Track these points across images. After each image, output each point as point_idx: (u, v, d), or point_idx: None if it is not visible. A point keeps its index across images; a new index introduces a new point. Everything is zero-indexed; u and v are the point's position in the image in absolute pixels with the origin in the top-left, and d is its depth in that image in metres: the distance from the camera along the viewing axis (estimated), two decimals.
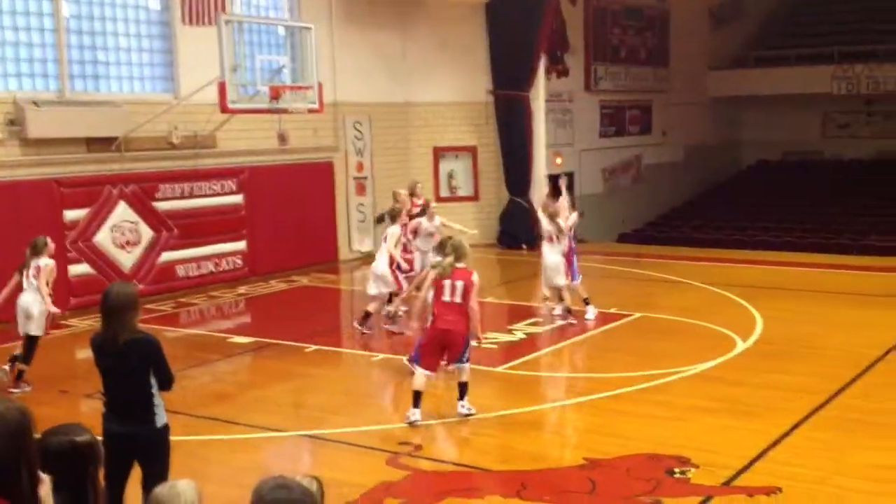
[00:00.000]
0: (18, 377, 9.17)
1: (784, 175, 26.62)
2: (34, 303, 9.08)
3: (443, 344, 7.84)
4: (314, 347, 10.79)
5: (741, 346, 10.40)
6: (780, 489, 6.29)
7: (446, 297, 7.77)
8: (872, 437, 7.39)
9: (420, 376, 7.87)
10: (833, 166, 26.56)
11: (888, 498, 6.23)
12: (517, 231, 19.34)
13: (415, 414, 7.80)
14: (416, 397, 7.83)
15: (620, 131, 23.79)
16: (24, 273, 9.18)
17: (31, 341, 9.19)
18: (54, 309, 9.30)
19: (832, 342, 10.70)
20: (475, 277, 7.84)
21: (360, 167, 18.04)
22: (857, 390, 8.75)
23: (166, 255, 14.40)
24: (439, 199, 19.47)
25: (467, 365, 7.88)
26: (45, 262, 9.19)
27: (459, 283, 7.74)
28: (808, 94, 25.57)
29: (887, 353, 10.00)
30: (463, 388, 7.95)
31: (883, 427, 7.66)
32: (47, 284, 9.18)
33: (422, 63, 18.97)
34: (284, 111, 14.53)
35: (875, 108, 26.50)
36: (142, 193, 14.10)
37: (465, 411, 7.95)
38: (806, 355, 10.05)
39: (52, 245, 9.41)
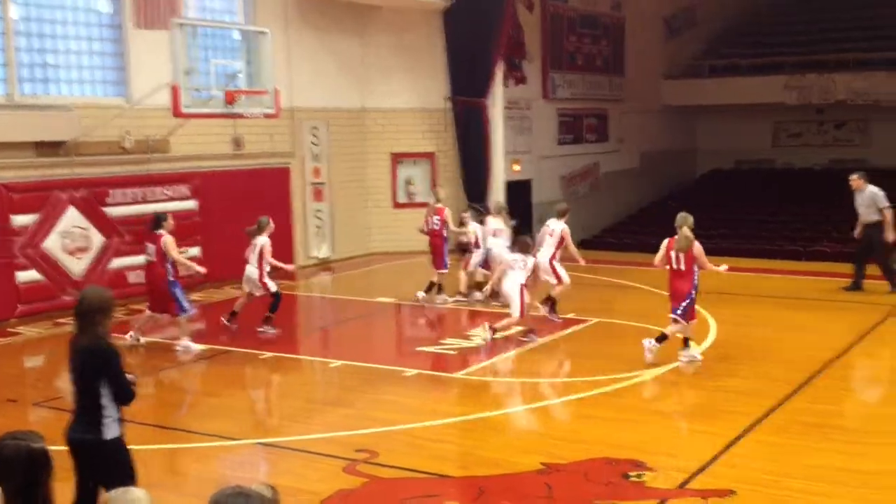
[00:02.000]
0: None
1: (737, 183, 27.05)
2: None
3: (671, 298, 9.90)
4: (270, 354, 10.74)
5: (696, 350, 10.55)
6: (733, 491, 6.40)
7: (673, 265, 9.87)
8: (822, 440, 7.56)
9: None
10: (785, 175, 27.06)
11: (836, 499, 6.37)
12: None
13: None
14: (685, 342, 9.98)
15: (578, 139, 24.02)
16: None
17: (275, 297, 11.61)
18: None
19: (784, 346, 10.91)
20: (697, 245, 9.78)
21: (316, 173, 18.00)
22: (808, 394, 8.94)
23: (117, 262, 14.22)
24: (397, 206, 19.52)
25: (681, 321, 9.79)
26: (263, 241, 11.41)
27: (682, 255, 9.78)
28: (760, 104, 26.04)
29: (836, 357, 10.22)
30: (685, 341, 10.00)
31: (832, 430, 7.83)
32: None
33: (379, 69, 19.00)
34: (240, 116, 14.46)
35: (826, 117, 27.05)
36: (92, 199, 13.92)
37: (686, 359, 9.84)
38: (758, 360, 10.23)
39: (272, 225, 11.59)
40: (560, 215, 12.72)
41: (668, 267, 10.00)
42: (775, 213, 23.82)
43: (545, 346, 11.09)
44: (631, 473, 6.80)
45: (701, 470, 6.85)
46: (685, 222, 9.95)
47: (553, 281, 12.36)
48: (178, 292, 10.67)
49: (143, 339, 11.02)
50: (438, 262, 14.04)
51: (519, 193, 21.01)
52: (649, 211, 26.31)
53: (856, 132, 27.15)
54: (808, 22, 27.72)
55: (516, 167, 20.90)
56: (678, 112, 27.31)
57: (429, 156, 19.63)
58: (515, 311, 11.02)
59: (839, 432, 7.75)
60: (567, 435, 7.82)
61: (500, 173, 19.74)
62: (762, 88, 25.74)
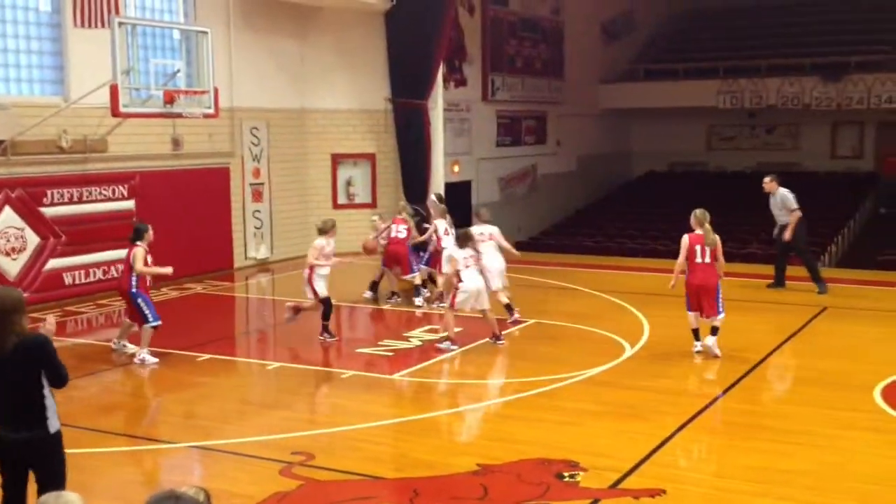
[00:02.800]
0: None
1: (671, 185, 27.46)
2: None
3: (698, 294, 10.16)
4: (207, 356, 10.59)
5: (629, 351, 10.69)
6: (663, 491, 6.49)
7: (698, 259, 10.20)
8: (751, 439, 7.69)
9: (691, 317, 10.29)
10: (717, 177, 27.57)
11: (765, 498, 6.48)
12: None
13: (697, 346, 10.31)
14: (695, 333, 10.34)
15: (517, 141, 24.16)
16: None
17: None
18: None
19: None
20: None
21: (256, 173, 17.79)
22: (737, 394, 9.10)
23: (53, 263, 13.88)
24: (337, 207, 19.40)
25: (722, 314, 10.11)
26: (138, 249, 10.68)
27: (708, 249, 10.22)
28: (694, 108, 26.49)
29: (765, 357, 10.43)
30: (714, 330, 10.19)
31: (760, 429, 7.97)
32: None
33: (320, 69, 18.87)
34: (179, 116, 14.22)
35: (757, 121, 27.63)
36: (29, 198, 13.56)
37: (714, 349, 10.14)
38: (689, 360, 10.39)
39: (151, 233, 10.78)
40: (485, 220, 12.68)
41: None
42: (710, 214, 24.22)
43: (482, 348, 11.11)
44: (565, 474, 6.85)
45: (633, 470, 6.92)
46: (706, 218, 10.40)
47: (506, 284, 12.36)
48: (143, 302, 10.40)
49: (129, 347, 10.76)
50: (406, 268, 13.90)
51: (458, 195, 21.07)
52: (586, 213, 26.61)
53: (786, 136, 27.79)
54: (741, 28, 28.27)
55: (456, 169, 20.95)
56: (615, 115, 27.65)
57: (369, 157, 19.55)
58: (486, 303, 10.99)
59: (768, 432, 7.89)
60: (502, 436, 7.85)
61: (440, 175, 19.76)
62: (696, 93, 26.20)
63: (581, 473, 6.82)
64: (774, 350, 10.78)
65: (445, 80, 19.92)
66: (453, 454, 7.36)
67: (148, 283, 10.63)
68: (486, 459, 7.14)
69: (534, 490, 6.58)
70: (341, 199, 19.47)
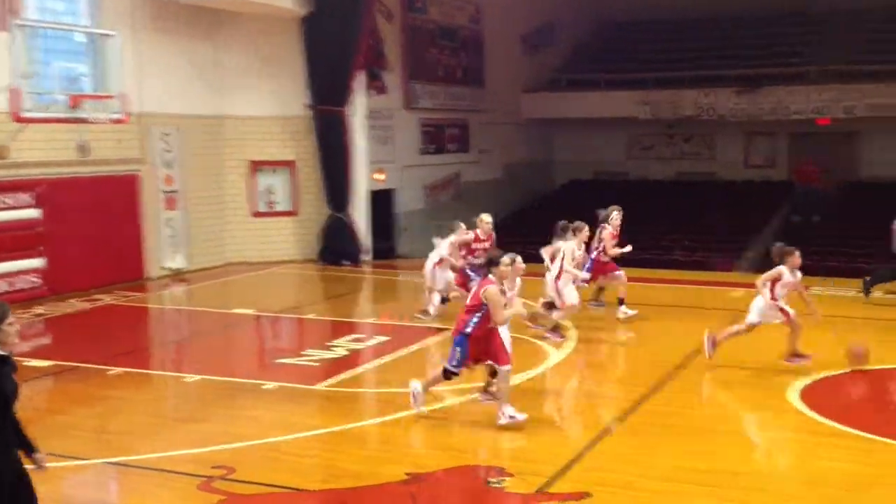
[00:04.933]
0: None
1: (594, 194, 27.82)
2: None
3: None
4: (119, 370, 10.31)
5: (556, 357, 10.80)
6: (588, 494, 6.57)
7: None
8: (676, 441, 7.85)
9: None
10: (639, 186, 28.11)
11: (689, 498, 6.63)
12: (338, 247, 19.30)
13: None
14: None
15: (440, 149, 24.26)
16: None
17: None
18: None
19: (639, 352, 11.31)
20: None
21: (168, 180, 17.44)
22: (662, 396, 9.28)
23: None
24: (256, 215, 19.17)
25: None
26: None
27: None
28: (615, 118, 27.02)
29: (688, 360, 10.64)
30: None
31: (685, 431, 8.15)
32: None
33: (237, 75, 18.64)
34: (84, 121, 13.86)
35: (675, 131, 28.31)
36: None
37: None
38: (616, 365, 10.56)
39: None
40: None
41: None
42: (632, 222, 24.66)
43: (410, 356, 11.09)
44: (492, 480, 6.88)
45: (559, 474, 6.99)
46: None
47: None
48: None
49: None
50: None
51: (382, 203, 21.03)
52: (511, 221, 26.82)
53: (702, 146, 28.54)
54: (660, 41, 28.96)
55: (380, 177, 20.91)
56: (538, 124, 27.99)
57: (289, 164, 19.39)
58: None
59: (693, 433, 8.07)
60: (431, 444, 7.84)
61: (362, 182, 19.70)
62: (616, 103, 26.73)
63: (508, 479, 6.86)
64: (698, 353, 11.00)
65: (367, 88, 19.89)
66: (381, 464, 7.31)
67: None
68: (415, 468, 7.12)
69: (462, 497, 6.60)
70: (261, 207, 19.24)
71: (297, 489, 6.87)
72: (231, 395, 9.47)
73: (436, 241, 13.08)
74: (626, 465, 7.30)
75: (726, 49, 27.09)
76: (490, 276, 8.09)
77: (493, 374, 8.44)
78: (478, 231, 12.64)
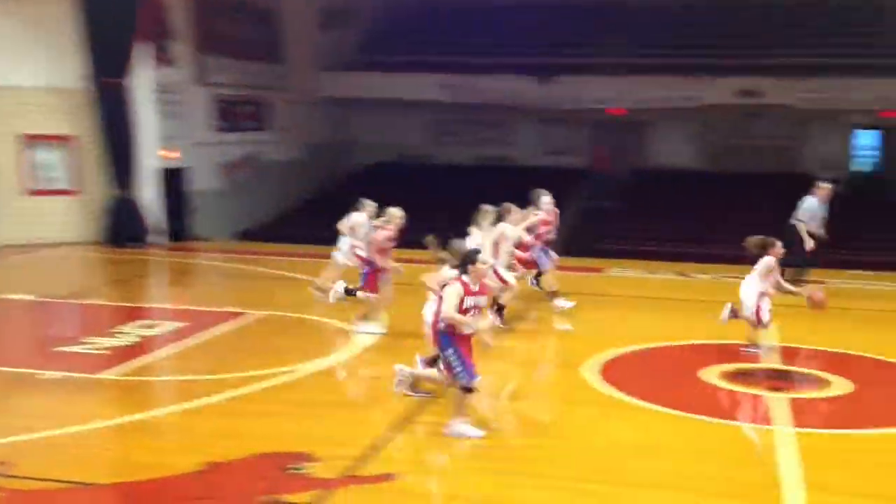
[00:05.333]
0: None
1: (399, 177, 28.06)
2: None
3: None
4: None
5: (363, 339, 10.78)
6: (392, 475, 6.60)
7: None
8: (484, 420, 8.03)
9: None
10: (443, 170, 28.53)
11: (492, 475, 6.79)
12: (123, 228, 18.38)
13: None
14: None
15: (236, 127, 23.61)
16: None
17: None
18: None
19: None
20: None
21: None
22: None
23: None
24: (32, 193, 17.94)
25: None
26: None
27: None
28: (419, 100, 27.27)
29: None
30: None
31: (492, 410, 8.34)
32: None
33: (5, 44, 17.29)
34: None
35: (476, 116, 28.91)
36: None
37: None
38: (419, 346, 10.65)
39: None
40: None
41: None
42: (436, 207, 25.03)
43: (205, 343, 10.72)
44: (293, 466, 6.77)
45: (364, 457, 6.97)
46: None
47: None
48: None
49: None
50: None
51: (175, 182, 20.25)
52: (314, 202, 26.54)
53: (503, 132, 29.35)
54: (462, 25, 29.44)
55: (170, 153, 20.08)
56: (340, 104, 27.79)
57: (69, 139, 18.23)
58: None
59: (498, 412, 8.26)
60: (228, 432, 7.60)
61: (150, 159, 18.85)
62: (419, 85, 26.98)
63: (311, 465, 6.78)
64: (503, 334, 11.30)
65: (153, 60, 18.99)
66: (176, 455, 7.02)
67: None
68: (212, 457, 6.89)
69: (261, 485, 6.45)
70: (37, 185, 18.00)
71: (84, 483, 6.48)
72: (6, 386, 8.80)
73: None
74: (434, 447, 7.39)
75: (526, 38, 27.95)
76: (464, 276, 7.38)
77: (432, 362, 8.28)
78: (391, 226, 11.40)
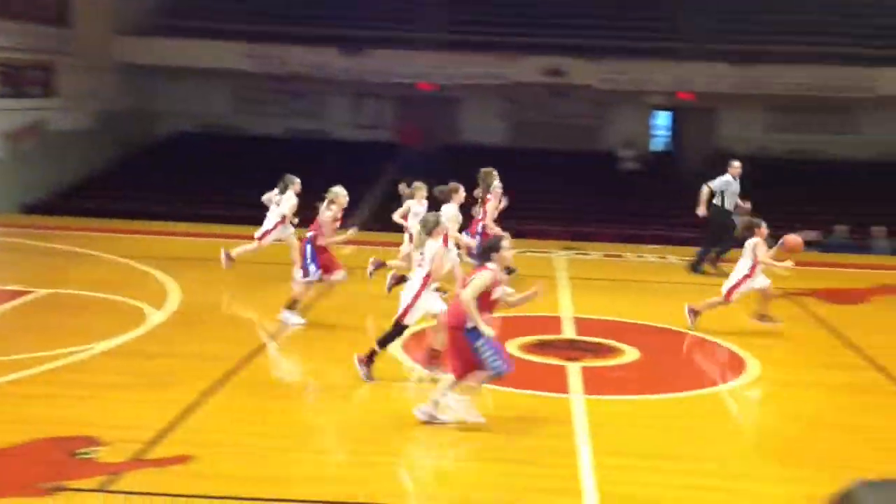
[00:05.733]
0: None
1: (202, 148, 27.25)
2: None
3: None
4: None
5: (157, 318, 10.45)
6: (191, 457, 6.46)
7: None
8: (284, 398, 8.04)
9: None
10: (249, 141, 27.92)
11: (297, 453, 6.79)
12: None
13: None
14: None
15: (21, 93, 22.21)
16: None
17: None
18: None
19: (250, 309, 11.30)
20: None
21: None
22: (268, 354, 9.38)
23: None
24: None
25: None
26: None
27: None
28: (222, 69, 26.53)
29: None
30: None
31: (291, 387, 8.36)
32: None
33: None
34: None
35: (285, 87, 28.44)
36: None
37: None
38: (221, 324, 10.47)
39: None
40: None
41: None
42: (243, 183, 24.49)
43: None
44: (80, 451, 6.51)
45: (158, 439, 6.79)
46: None
47: None
48: None
49: None
50: None
51: None
52: (111, 174, 25.38)
53: (313, 104, 29.04)
54: None
55: None
56: (138, 71, 26.60)
57: None
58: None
59: (301, 389, 8.24)
60: (9, 417, 7.20)
61: None
62: (222, 53, 26.25)
63: (99, 448, 6.54)
64: (304, 309, 11.24)
65: None
66: None
67: None
68: None
69: (44, 471, 6.17)
70: None
71: None
72: None
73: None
74: (232, 425, 7.29)
75: (337, 9, 27.73)
76: (489, 263, 7.24)
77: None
78: (333, 207, 10.85)
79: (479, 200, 12.46)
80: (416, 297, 8.24)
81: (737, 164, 14.53)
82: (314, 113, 28.90)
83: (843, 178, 23.96)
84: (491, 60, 25.76)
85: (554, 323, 11.03)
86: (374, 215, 22.47)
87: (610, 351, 9.87)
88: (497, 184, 12.36)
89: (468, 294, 7.08)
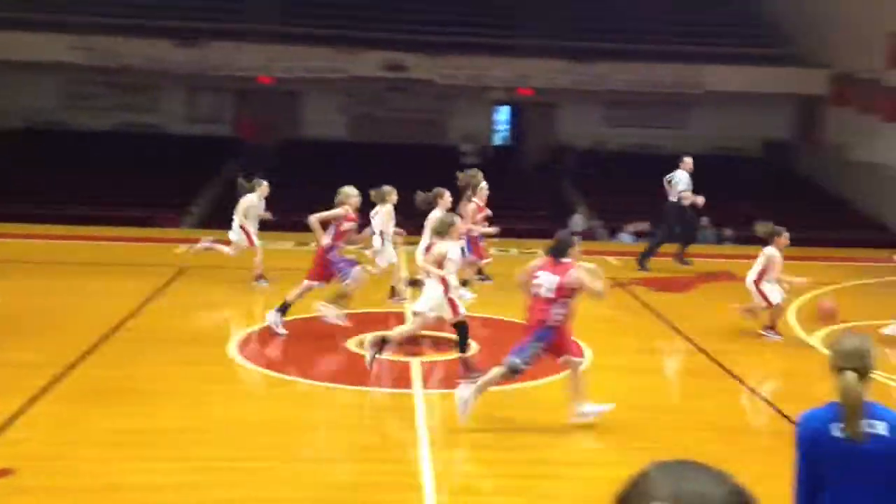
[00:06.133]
0: None
1: (30, 145, 25.97)
2: None
3: None
4: None
5: None
6: (12, 470, 6.17)
7: None
8: (114, 405, 7.72)
9: None
10: (76, 137, 26.75)
11: (126, 461, 6.56)
12: None
13: None
14: None
15: None
16: None
17: None
18: None
19: (76, 313, 10.85)
20: None
21: None
22: (96, 359, 9.04)
23: None
24: None
25: None
26: None
27: None
28: (48, 62, 25.28)
29: (124, 321, 10.48)
30: None
31: (123, 393, 8.04)
32: None
33: None
34: None
35: (116, 80, 27.36)
36: None
37: None
38: (45, 329, 10.00)
39: None
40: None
41: None
42: (69, 177, 23.48)
43: None
44: None
45: None
46: None
47: None
48: None
49: None
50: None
51: None
52: None
53: (146, 97, 28.10)
54: None
55: None
56: None
57: None
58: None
59: (131, 395, 7.98)
60: None
61: None
62: (49, 46, 25.03)
63: None
64: (135, 313, 10.90)
65: None
66: None
67: None
68: None
69: None
70: None
71: None
72: None
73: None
74: (56, 435, 7.00)
75: (172, 0, 26.95)
76: (566, 259, 7.40)
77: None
78: (347, 207, 10.36)
79: (467, 201, 12.39)
80: (448, 293, 8.54)
81: (688, 159, 15.12)
82: (148, 107, 27.98)
83: (670, 171, 25.07)
84: (331, 54, 25.61)
85: (399, 318, 11.10)
86: (213, 211, 21.98)
87: (452, 345, 10.00)
88: (484, 185, 12.37)
89: (600, 285, 7.50)
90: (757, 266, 10.55)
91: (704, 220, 19.99)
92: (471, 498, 6.33)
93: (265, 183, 12.82)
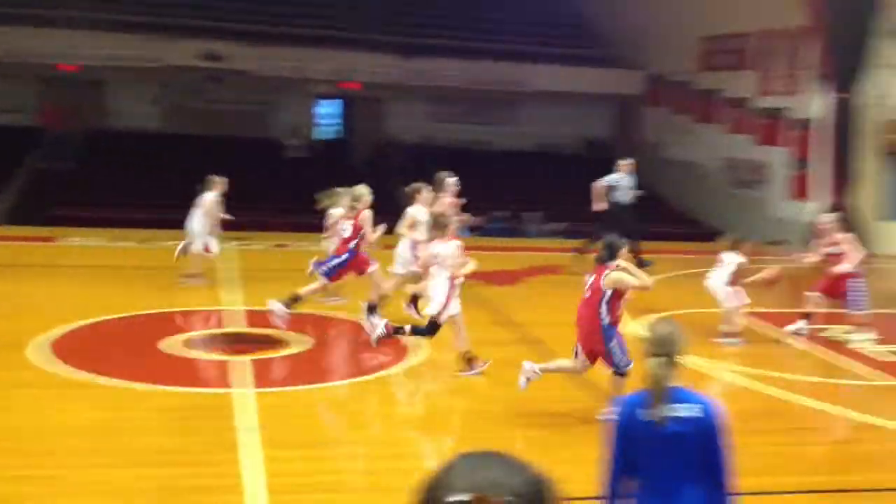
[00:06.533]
0: None
1: None
2: None
3: None
4: None
5: None
6: None
7: None
8: None
9: None
10: None
11: None
12: None
13: None
14: None
15: None
16: None
17: None
18: None
19: None
20: None
21: None
22: None
23: None
24: None
25: None
26: None
27: None
28: None
29: None
30: None
31: None
32: None
33: None
34: None
35: None
36: None
37: None
38: None
39: None
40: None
41: None
42: None
43: None
44: None
45: None
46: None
47: None
48: None
49: None
50: None
51: None
52: None
53: None
54: None
55: None
56: None
57: None
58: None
59: None
60: None
61: None
62: None
63: None
64: None
65: None
66: None
67: None
68: None
69: None
70: None
71: None
72: None
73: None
74: None
75: None
76: (611, 262, 7.53)
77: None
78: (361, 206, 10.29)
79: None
80: (449, 297, 8.57)
81: (624, 162, 15.26)
82: None
83: (502, 167, 25.53)
84: (144, 42, 24.46)
85: (218, 316, 10.70)
86: (10, 208, 20.63)
87: (280, 343, 9.71)
88: (452, 181, 11.98)
89: (643, 278, 7.64)
90: (726, 270, 10.73)
91: (532, 215, 20.47)
92: (290, 497, 6.10)
93: (219, 179, 12.60)
